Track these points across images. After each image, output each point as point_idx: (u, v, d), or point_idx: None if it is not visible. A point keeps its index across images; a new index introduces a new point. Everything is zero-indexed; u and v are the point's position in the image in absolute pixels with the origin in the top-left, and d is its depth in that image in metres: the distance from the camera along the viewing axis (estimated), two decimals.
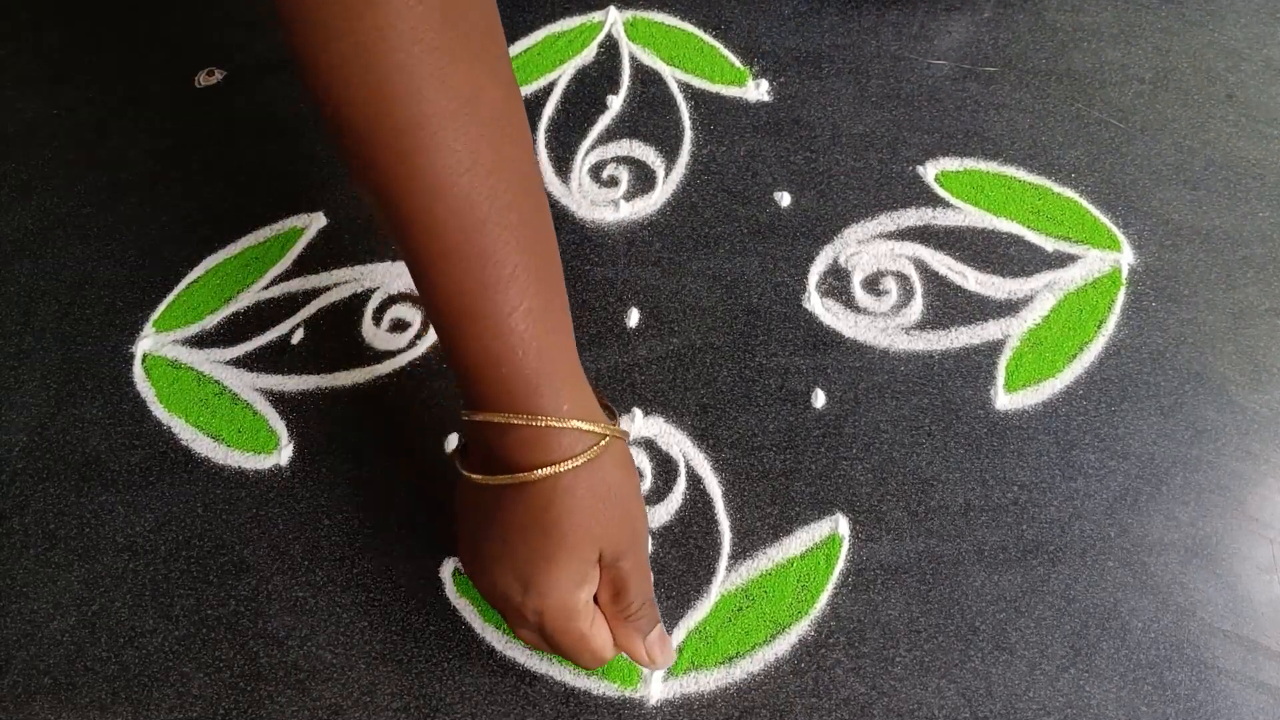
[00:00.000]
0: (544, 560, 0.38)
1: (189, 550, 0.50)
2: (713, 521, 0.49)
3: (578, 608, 0.39)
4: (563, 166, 0.61)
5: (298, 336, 0.56)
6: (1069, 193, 0.59)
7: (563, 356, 0.39)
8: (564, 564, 0.38)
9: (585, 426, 0.38)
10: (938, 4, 0.67)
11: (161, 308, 0.57)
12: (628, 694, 0.45)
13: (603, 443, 0.39)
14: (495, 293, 0.37)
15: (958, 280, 0.56)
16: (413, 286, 0.57)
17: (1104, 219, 0.58)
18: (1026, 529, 0.48)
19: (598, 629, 0.40)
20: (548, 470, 0.37)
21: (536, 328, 0.38)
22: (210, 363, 0.55)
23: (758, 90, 0.64)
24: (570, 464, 0.37)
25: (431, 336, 0.55)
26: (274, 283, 0.58)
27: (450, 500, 0.50)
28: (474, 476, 0.39)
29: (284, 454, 0.52)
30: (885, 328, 0.55)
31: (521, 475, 0.37)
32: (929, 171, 0.60)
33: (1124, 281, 0.55)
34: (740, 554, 0.48)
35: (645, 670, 0.45)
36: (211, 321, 0.57)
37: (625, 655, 0.43)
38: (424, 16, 0.34)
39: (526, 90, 0.65)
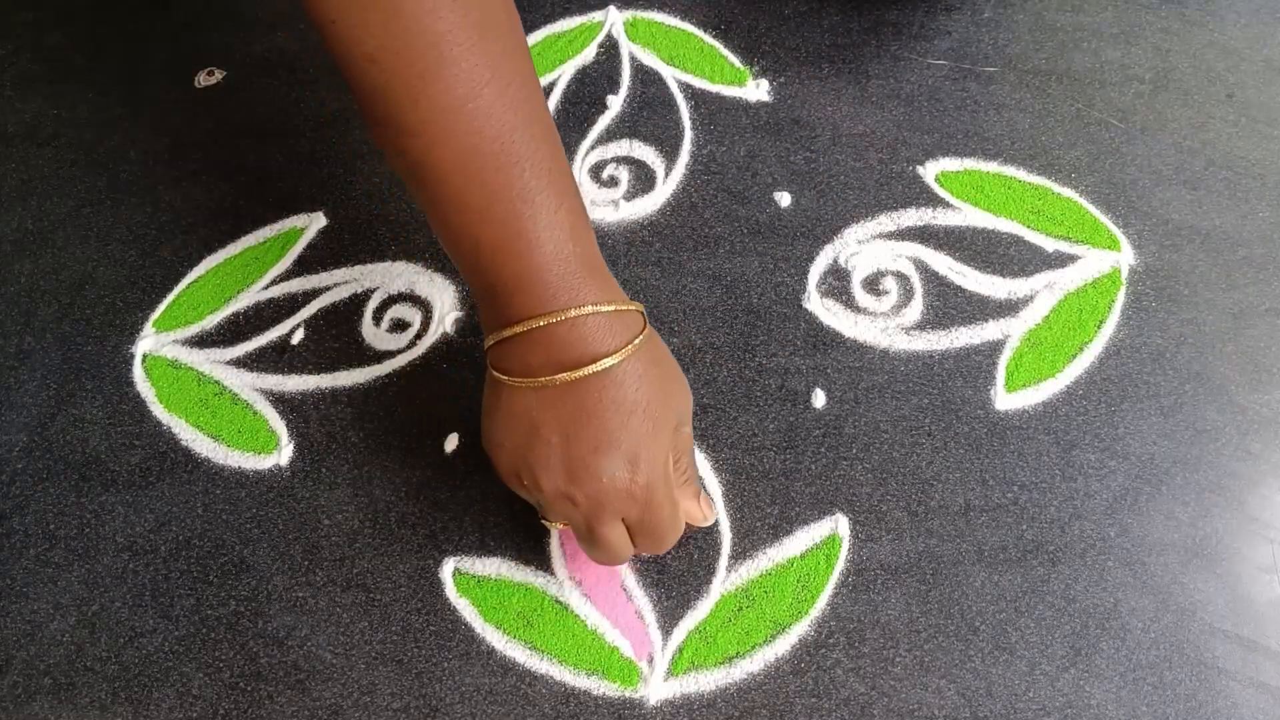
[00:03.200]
0: (648, 434, 0.40)
1: (189, 550, 0.50)
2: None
3: (672, 476, 0.42)
4: None
5: (298, 336, 0.56)
6: (1069, 193, 0.59)
7: (597, 249, 0.42)
8: (664, 432, 0.40)
9: (638, 307, 0.41)
10: (938, 4, 0.67)
11: (161, 308, 0.57)
12: (628, 694, 0.45)
13: (647, 323, 0.41)
14: (537, 193, 0.39)
15: (958, 280, 0.56)
16: (413, 286, 0.57)
17: (1104, 219, 0.58)
18: (1026, 529, 0.48)
19: (686, 502, 0.43)
20: (630, 347, 0.39)
21: (579, 223, 0.40)
22: (210, 363, 0.55)
23: (758, 90, 0.64)
24: (639, 340, 0.40)
25: (432, 336, 0.55)
26: (274, 283, 0.58)
27: (450, 500, 0.50)
28: (557, 378, 0.39)
29: (284, 454, 0.52)
30: (885, 328, 0.55)
31: (607, 360, 0.39)
32: (929, 171, 0.60)
33: (1124, 281, 0.55)
34: (740, 554, 0.48)
35: (645, 670, 0.46)
36: (211, 321, 0.57)
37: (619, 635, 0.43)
38: None
39: None
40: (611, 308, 0.39)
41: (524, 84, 0.39)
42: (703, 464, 0.51)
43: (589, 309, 0.39)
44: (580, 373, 0.39)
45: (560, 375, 0.39)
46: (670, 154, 0.61)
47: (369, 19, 0.36)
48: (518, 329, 0.40)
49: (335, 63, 0.39)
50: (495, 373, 0.42)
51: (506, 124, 0.38)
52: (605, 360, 0.39)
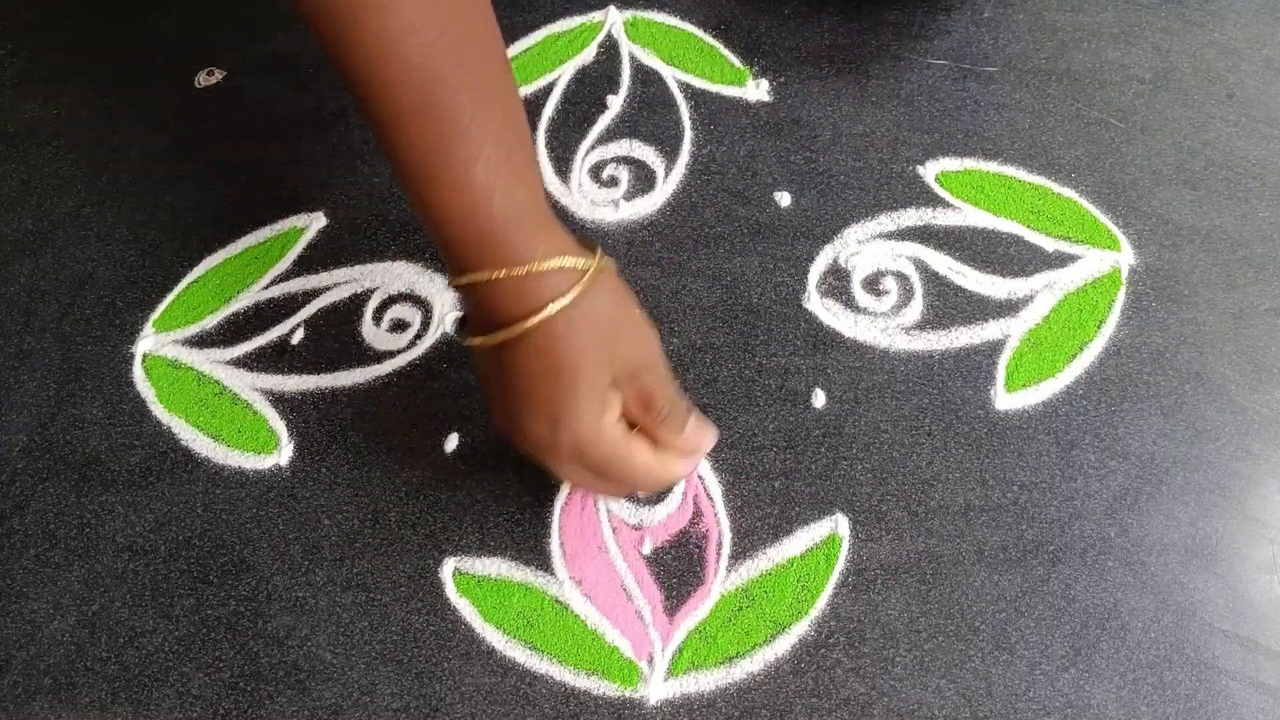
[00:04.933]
0: (563, 397, 0.40)
1: (189, 550, 0.50)
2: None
3: (607, 432, 0.41)
4: (563, 166, 0.61)
5: (298, 336, 0.56)
6: (1069, 193, 0.59)
7: (530, 202, 0.40)
8: (583, 395, 0.40)
9: (565, 263, 0.40)
10: (938, 4, 0.67)
11: (161, 308, 0.57)
12: (628, 694, 0.45)
13: (586, 276, 0.40)
14: (452, 146, 0.38)
15: (958, 280, 0.56)
16: (413, 286, 0.57)
17: (1104, 219, 0.58)
18: (1026, 529, 0.48)
19: (637, 448, 0.42)
20: (540, 316, 0.39)
21: (498, 177, 0.39)
22: (210, 363, 0.55)
23: (758, 90, 0.64)
24: (559, 304, 0.39)
25: (432, 336, 0.55)
26: (274, 283, 0.58)
27: (450, 500, 0.50)
28: (474, 341, 0.41)
29: (284, 454, 0.52)
30: (885, 328, 0.55)
31: (516, 328, 0.39)
32: (929, 171, 0.60)
33: (1124, 281, 0.55)
34: (740, 554, 0.48)
35: (645, 670, 0.46)
36: (211, 321, 0.57)
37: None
38: None
39: (526, 90, 0.65)
40: (526, 268, 0.38)
41: (462, 31, 0.38)
42: (703, 464, 0.51)
43: (500, 272, 0.39)
44: (494, 339, 0.40)
45: (479, 340, 0.41)
46: (670, 154, 0.61)
47: None
48: (451, 281, 0.41)
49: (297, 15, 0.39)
50: (457, 320, 0.44)
51: (433, 73, 0.37)
52: (515, 328, 0.39)
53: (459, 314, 0.55)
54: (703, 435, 0.45)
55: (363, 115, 0.40)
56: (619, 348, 0.41)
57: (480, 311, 0.41)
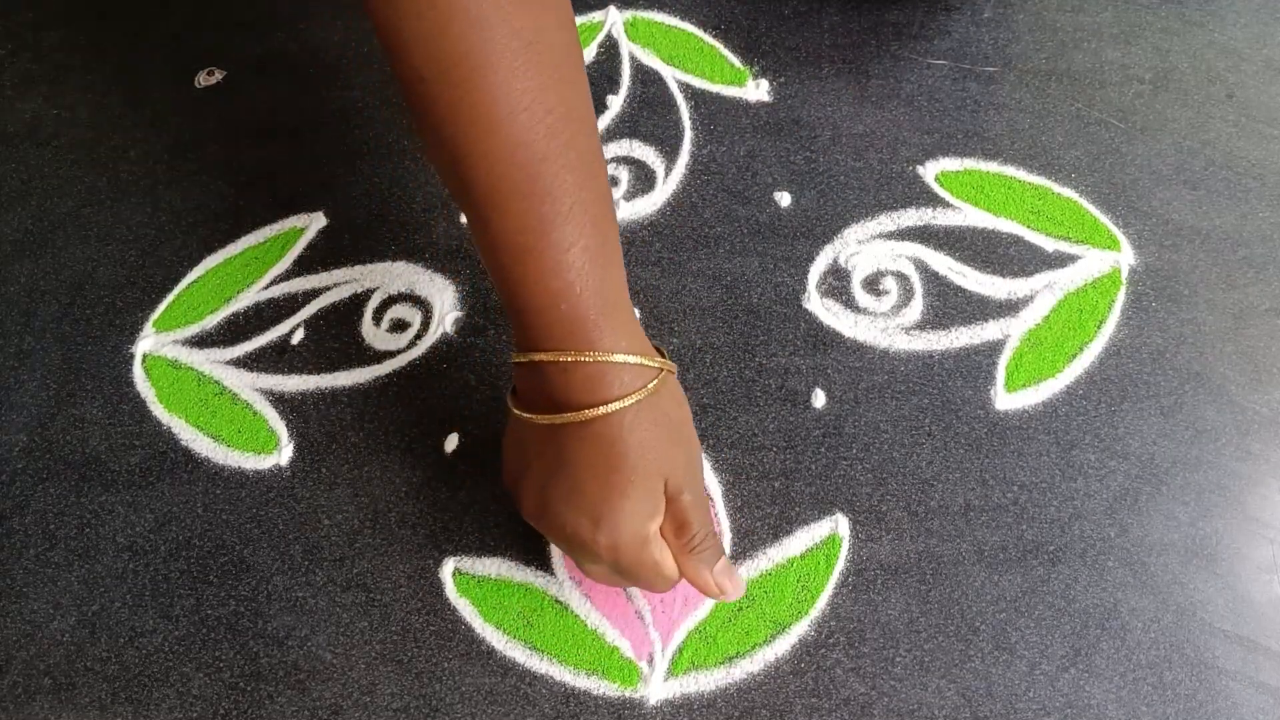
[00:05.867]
0: (615, 496, 0.38)
1: (189, 550, 0.50)
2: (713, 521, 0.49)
3: (650, 538, 0.39)
4: None
5: (298, 336, 0.56)
6: (1069, 193, 0.59)
7: (618, 293, 0.40)
8: (634, 497, 0.39)
9: (645, 361, 0.39)
10: (937, 4, 0.67)
11: (161, 308, 0.57)
12: (628, 694, 0.45)
13: (660, 376, 0.40)
14: (553, 229, 0.38)
15: (958, 280, 0.56)
16: (413, 286, 0.57)
17: (1104, 219, 0.58)
18: (1026, 529, 0.48)
19: (666, 554, 0.41)
20: (614, 405, 0.38)
21: (593, 264, 0.38)
22: (210, 363, 0.55)
23: (758, 90, 0.64)
24: (635, 398, 0.38)
25: (432, 336, 0.55)
26: (274, 283, 0.58)
27: (450, 500, 0.50)
28: (538, 418, 0.40)
29: (284, 454, 0.52)
30: (885, 328, 0.55)
31: (588, 412, 0.38)
32: (929, 171, 0.60)
33: (1124, 281, 0.55)
34: (740, 554, 0.48)
35: (645, 670, 0.46)
36: (211, 322, 0.57)
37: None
38: None
39: None
40: (608, 358, 0.38)
41: (567, 111, 0.38)
42: (703, 464, 0.51)
43: (586, 357, 0.38)
44: (558, 419, 0.39)
45: (540, 417, 0.40)
46: (670, 154, 0.61)
47: (421, 34, 0.36)
48: (518, 358, 0.40)
49: (396, 81, 0.39)
50: (510, 393, 0.43)
51: (539, 151, 0.37)
52: (585, 412, 0.38)
53: (459, 313, 0.55)
54: (731, 584, 0.42)
55: (455, 192, 0.40)
56: (674, 455, 0.40)
57: (543, 390, 0.39)
